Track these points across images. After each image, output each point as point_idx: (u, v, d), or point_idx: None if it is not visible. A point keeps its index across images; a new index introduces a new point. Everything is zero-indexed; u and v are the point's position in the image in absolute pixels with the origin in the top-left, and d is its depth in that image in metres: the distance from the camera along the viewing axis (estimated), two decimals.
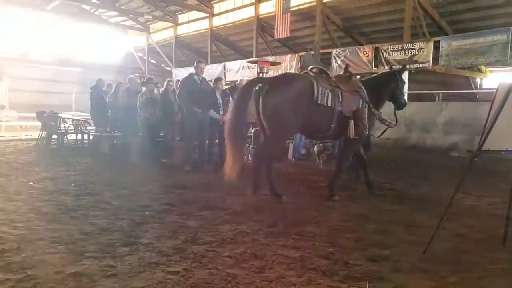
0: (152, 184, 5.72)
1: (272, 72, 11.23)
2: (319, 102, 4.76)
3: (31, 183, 5.61)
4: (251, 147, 7.93)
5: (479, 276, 2.84)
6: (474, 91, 14.19)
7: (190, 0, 19.65)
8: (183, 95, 6.98)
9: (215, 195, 5.09)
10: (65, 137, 10.45)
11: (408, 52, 11.74)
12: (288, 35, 15.25)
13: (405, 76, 6.25)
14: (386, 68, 11.34)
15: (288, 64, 15.09)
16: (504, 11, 11.38)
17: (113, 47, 26.11)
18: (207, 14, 20.18)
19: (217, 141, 7.59)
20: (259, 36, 17.55)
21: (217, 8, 19.90)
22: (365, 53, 12.95)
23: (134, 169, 7.08)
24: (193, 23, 21.78)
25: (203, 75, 7.19)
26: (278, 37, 15.55)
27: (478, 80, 14.98)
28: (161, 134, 8.51)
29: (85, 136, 10.39)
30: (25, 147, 10.21)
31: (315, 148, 8.25)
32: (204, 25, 20.81)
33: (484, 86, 14.88)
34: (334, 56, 13.73)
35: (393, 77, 5.64)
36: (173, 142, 8.38)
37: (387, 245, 3.41)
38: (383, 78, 5.70)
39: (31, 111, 13.08)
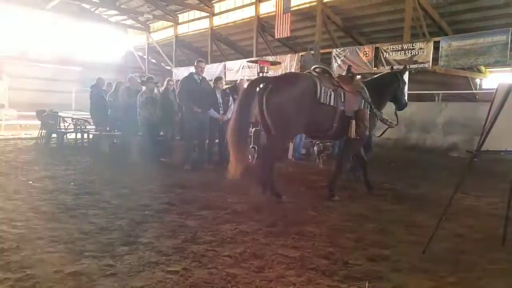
0: (151, 184, 5.71)
1: (272, 72, 11.22)
2: (322, 101, 4.77)
3: (30, 182, 5.61)
4: (251, 146, 7.93)
5: (478, 276, 2.85)
6: (474, 91, 14.18)
7: None
8: (183, 94, 6.98)
9: (215, 194, 5.09)
10: (65, 136, 10.43)
11: (408, 52, 11.73)
12: (288, 35, 15.24)
13: (405, 76, 6.26)
14: (386, 68, 11.36)
15: (288, 64, 15.08)
16: (505, 12, 11.37)
17: (113, 46, 26.09)
18: (208, 14, 20.16)
19: (217, 140, 7.60)
20: (259, 35, 17.54)
21: (217, 7, 19.89)
22: (365, 53, 12.95)
23: (133, 168, 7.08)
24: (193, 23, 21.76)
25: (203, 75, 7.19)
26: (278, 36, 15.54)
27: (477, 81, 14.97)
28: (161, 133, 8.51)
29: (85, 135, 10.38)
30: (24, 146, 10.20)
31: (315, 148, 8.26)
32: (204, 24, 20.79)
33: (483, 86, 14.86)
34: (334, 56, 13.73)
35: (395, 78, 5.67)
36: (173, 142, 8.38)
37: (387, 245, 3.41)
38: (385, 79, 5.72)
39: (31, 110, 13.06)
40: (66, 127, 10.95)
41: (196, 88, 6.93)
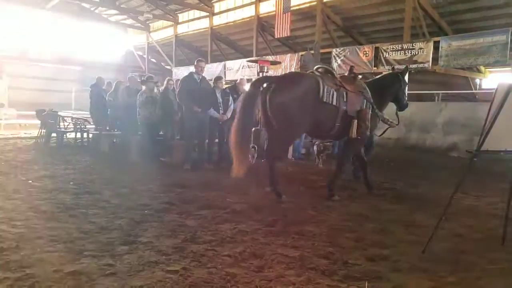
0: (151, 183, 5.71)
1: (272, 72, 11.22)
2: (324, 100, 4.78)
3: (30, 181, 5.61)
4: (251, 146, 7.92)
5: (477, 276, 2.84)
6: (474, 91, 14.18)
7: None
8: (183, 94, 6.98)
9: (214, 194, 5.09)
10: (65, 135, 10.44)
11: (408, 52, 11.74)
12: (288, 35, 15.24)
13: (406, 76, 6.28)
14: (386, 68, 11.37)
15: (288, 63, 15.08)
16: (505, 12, 11.37)
17: (113, 46, 26.09)
18: (207, 13, 20.16)
19: (216, 140, 7.60)
20: (259, 35, 17.55)
21: (217, 7, 19.89)
22: (365, 53, 12.95)
23: (133, 167, 7.07)
24: (193, 22, 21.76)
25: (203, 74, 7.18)
26: (278, 36, 15.54)
27: (477, 81, 14.97)
28: (161, 133, 8.50)
29: (85, 135, 10.38)
30: (24, 145, 10.20)
31: (315, 148, 8.25)
32: (204, 24, 20.79)
33: (483, 86, 14.86)
34: (334, 56, 13.73)
35: (396, 78, 5.68)
36: (173, 141, 8.37)
37: (387, 245, 3.41)
38: (387, 79, 5.73)
39: (31, 109, 13.07)
40: (65, 126, 10.94)
41: (196, 87, 6.93)
